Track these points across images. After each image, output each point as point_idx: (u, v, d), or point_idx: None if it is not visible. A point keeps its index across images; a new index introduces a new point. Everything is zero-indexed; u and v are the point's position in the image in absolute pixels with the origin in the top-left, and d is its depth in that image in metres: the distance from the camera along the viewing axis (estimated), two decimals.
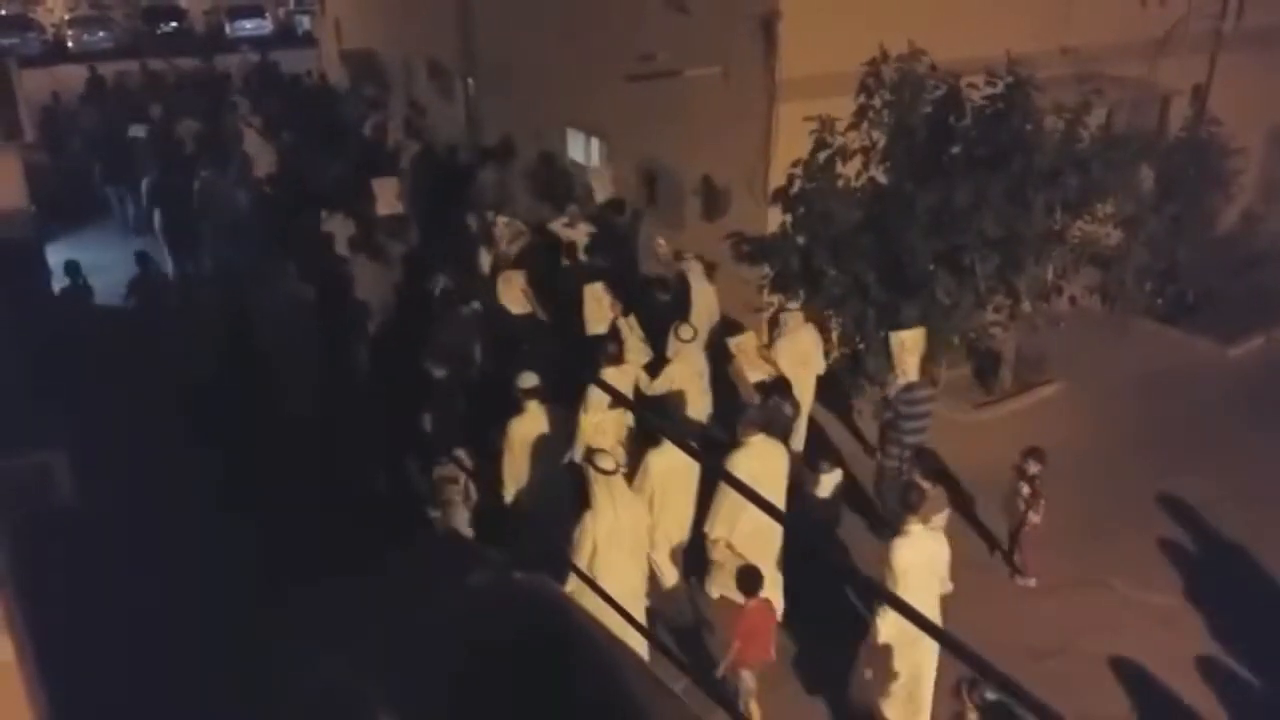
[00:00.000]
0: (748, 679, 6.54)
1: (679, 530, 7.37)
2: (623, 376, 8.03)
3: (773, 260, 10.39)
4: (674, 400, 8.50)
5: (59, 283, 11.56)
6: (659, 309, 9.38)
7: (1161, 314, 12.07)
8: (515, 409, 7.47)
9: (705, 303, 9.96)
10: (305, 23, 32.64)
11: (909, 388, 8.45)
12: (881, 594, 5.75)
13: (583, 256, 10.66)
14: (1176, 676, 7.16)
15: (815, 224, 9.93)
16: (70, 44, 33.69)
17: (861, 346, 10.52)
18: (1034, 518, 7.86)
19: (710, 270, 10.69)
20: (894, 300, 9.88)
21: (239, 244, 12.01)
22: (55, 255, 12.64)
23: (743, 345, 8.66)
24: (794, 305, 9.16)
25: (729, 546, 7.03)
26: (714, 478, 6.86)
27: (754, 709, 6.61)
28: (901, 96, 9.71)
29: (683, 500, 7.27)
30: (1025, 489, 7.86)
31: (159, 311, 11.47)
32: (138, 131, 16.06)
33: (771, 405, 7.91)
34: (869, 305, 10.08)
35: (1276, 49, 12.73)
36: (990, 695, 6.00)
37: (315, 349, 9.37)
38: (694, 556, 7.50)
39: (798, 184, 10.00)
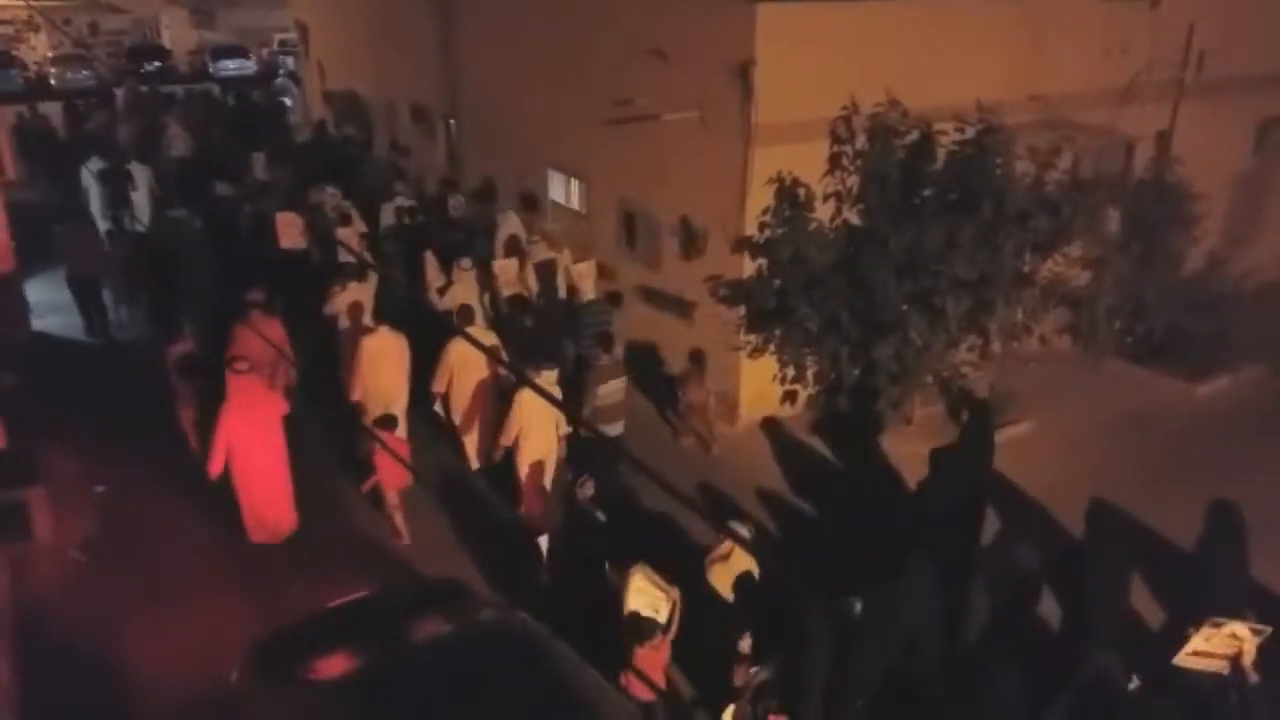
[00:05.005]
0: (391, 496, 8.91)
1: (398, 396, 9.75)
2: (366, 290, 11.14)
3: (749, 301, 10.58)
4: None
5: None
6: (454, 248, 12.58)
7: (1130, 353, 12.31)
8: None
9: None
10: (290, 63, 32.83)
11: (589, 304, 11.34)
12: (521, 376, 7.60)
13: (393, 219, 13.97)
14: None
15: (788, 266, 10.15)
16: (53, 82, 33.74)
17: (835, 382, 10.70)
18: (685, 397, 10.49)
19: (690, 308, 11.13)
20: (868, 338, 10.07)
21: (155, 212, 16.11)
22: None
23: (504, 267, 11.76)
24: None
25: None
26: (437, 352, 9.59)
27: (399, 520, 8.99)
28: (874, 144, 9.97)
29: (393, 374, 9.69)
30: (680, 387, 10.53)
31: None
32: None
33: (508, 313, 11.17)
34: (843, 343, 10.27)
35: (1235, 99, 13.15)
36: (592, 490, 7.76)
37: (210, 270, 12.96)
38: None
39: (767, 231, 10.22)
